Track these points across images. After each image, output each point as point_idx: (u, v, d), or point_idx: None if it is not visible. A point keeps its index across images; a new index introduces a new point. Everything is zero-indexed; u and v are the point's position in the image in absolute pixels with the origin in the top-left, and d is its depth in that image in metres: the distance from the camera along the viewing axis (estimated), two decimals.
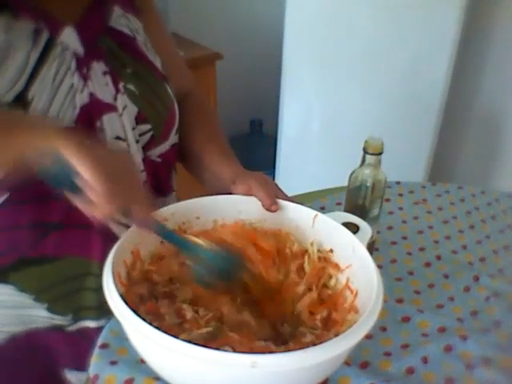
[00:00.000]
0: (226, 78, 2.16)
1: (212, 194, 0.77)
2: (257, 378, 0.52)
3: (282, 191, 0.78)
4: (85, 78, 0.71)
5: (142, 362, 0.65)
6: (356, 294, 0.66)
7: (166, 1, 1.93)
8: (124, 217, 0.59)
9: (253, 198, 0.75)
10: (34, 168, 0.55)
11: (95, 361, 0.68)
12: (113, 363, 0.67)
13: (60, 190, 0.56)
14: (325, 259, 0.73)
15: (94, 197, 0.55)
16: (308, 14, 1.84)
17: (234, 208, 0.75)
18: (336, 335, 0.55)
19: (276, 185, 0.78)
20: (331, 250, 0.73)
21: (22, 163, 0.56)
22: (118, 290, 0.57)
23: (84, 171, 0.53)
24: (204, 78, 1.96)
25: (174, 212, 0.72)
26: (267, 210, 0.73)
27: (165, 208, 0.71)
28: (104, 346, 0.70)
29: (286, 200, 0.75)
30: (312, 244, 0.73)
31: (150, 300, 0.64)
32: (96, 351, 0.69)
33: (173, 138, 0.83)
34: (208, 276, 0.64)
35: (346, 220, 0.75)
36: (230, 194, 0.76)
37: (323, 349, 0.52)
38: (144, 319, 0.53)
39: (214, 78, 2.00)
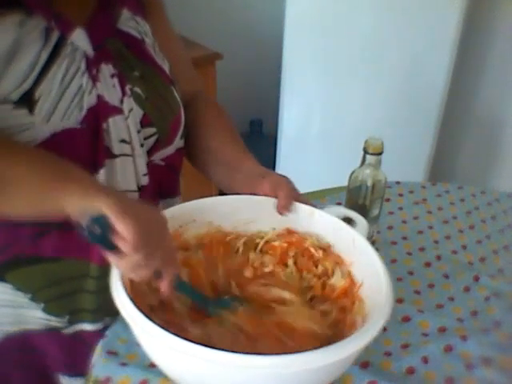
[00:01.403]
0: (226, 78, 2.16)
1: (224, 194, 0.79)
2: (270, 380, 0.53)
3: (303, 197, 0.78)
4: (94, 79, 0.70)
5: (153, 366, 0.65)
6: (360, 285, 0.67)
7: (166, 1, 1.92)
8: (154, 277, 0.61)
9: (247, 198, 0.75)
10: (72, 221, 0.57)
11: (104, 363, 0.67)
12: (123, 365, 0.67)
13: (94, 244, 0.56)
14: (325, 251, 0.74)
15: (130, 256, 0.56)
16: (308, 14, 1.84)
17: (230, 209, 0.76)
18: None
19: (299, 192, 0.78)
20: (330, 246, 0.73)
21: (58, 214, 0.58)
22: (126, 291, 0.57)
23: (124, 231, 0.54)
24: (204, 78, 1.96)
25: (172, 215, 0.71)
26: (278, 210, 0.74)
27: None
28: (111, 353, 0.69)
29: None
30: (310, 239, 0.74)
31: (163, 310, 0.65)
32: (102, 356, 0.68)
33: (178, 143, 0.82)
34: None
35: (343, 215, 0.75)
36: (251, 192, 0.77)
37: (332, 351, 0.52)
38: (157, 323, 0.53)
39: (214, 78, 2.00)
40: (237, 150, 0.84)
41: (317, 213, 0.74)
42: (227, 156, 0.84)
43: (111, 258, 0.57)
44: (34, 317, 0.77)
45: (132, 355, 0.67)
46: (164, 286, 0.62)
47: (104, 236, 0.55)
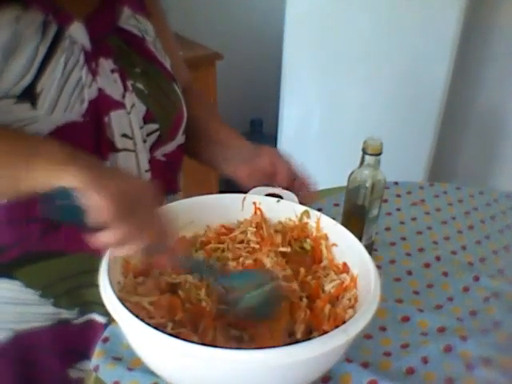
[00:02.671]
0: (226, 78, 2.16)
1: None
2: (261, 373, 0.53)
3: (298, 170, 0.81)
4: (93, 73, 0.71)
5: None
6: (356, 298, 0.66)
7: (166, 1, 1.93)
8: (147, 255, 0.57)
9: (238, 196, 0.76)
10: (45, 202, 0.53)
11: (111, 368, 0.67)
12: (130, 369, 0.67)
13: (67, 222, 0.53)
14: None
15: (112, 230, 0.52)
16: (308, 14, 1.84)
17: (220, 208, 0.76)
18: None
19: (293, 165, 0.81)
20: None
21: (31, 193, 0.55)
22: (114, 291, 0.57)
23: (98, 202, 0.51)
24: (204, 77, 1.96)
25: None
26: (286, 186, 0.77)
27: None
28: (117, 359, 0.69)
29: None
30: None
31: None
32: (108, 361, 0.68)
33: (180, 138, 0.83)
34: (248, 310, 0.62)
35: (268, 192, 0.78)
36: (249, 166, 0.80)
37: (319, 342, 0.52)
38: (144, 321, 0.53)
39: (214, 77, 2.00)
40: (231, 132, 0.88)
41: (248, 198, 0.76)
42: (216, 135, 0.87)
43: (93, 238, 0.53)
44: (45, 313, 0.77)
45: (137, 360, 0.66)
46: (162, 260, 0.58)
47: (76, 212, 0.50)
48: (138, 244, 0.55)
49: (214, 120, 0.92)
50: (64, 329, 0.79)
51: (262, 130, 2.55)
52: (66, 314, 0.78)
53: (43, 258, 0.74)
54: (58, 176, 0.52)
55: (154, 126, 0.77)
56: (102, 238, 0.53)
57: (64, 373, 0.83)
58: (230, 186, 0.83)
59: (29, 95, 0.65)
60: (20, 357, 0.80)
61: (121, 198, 0.52)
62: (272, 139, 2.21)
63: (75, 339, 0.81)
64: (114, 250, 0.56)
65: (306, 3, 1.83)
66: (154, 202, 0.58)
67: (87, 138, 0.70)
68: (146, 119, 0.76)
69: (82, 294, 0.78)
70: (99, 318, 0.80)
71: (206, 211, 0.75)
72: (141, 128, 0.75)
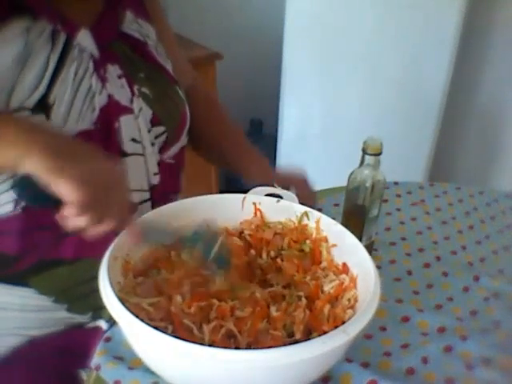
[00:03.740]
0: (226, 77, 2.16)
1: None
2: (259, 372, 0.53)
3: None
4: (102, 79, 0.71)
5: None
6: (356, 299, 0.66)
7: (166, 1, 1.93)
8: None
9: (238, 197, 0.76)
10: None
11: (112, 367, 0.67)
12: (131, 369, 0.67)
13: (34, 205, 0.55)
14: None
15: (83, 221, 0.54)
16: (308, 14, 1.85)
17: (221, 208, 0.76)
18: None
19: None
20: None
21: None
22: (114, 291, 0.57)
23: (65, 194, 0.51)
24: (204, 78, 1.96)
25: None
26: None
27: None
28: (118, 358, 0.69)
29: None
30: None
31: None
32: (109, 360, 0.68)
33: (184, 140, 0.84)
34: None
35: (268, 192, 0.78)
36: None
37: (317, 343, 0.52)
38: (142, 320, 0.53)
39: (213, 77, 2.00)
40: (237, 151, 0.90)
41: (248, 198, 0.76)
42: (235, 160, 0.90)
43: (63, 220, 0.54)
44: (58, 318, 0.78)
45: (138, 359, 0.66)
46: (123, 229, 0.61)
47: (44, 197, 0.51)
48: (108, 226, 0.56)
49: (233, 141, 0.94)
50: (77, 333, 0.80)
51: (261, 130, 2.55)
52: (79, 318, 0.79)
53: (56, 266, 0.74)
54: (18, 163, 0.52)
55: (161, 129, 0.78)
56: (73, 222, 0.55)
57: (76, 374, 0.83)
58: (230, 186, 0.83)
59: (42, 107, 0.65)
60: (33, 361, 0.80)
61: (87, 186, 0.52)
62: (272, 139, 2.21)
63: (88, 342, 0.81)
64: (83, 231, 0.57)
65: (306, 3, 1.83)
66: (121, 184, 0.59)
67: (98, 144, 0.70)
68: (153, 122, 0.77)
69: (95, 299, 0.77)
70: (104, 325, 0.79)
71: (206, 211, 0.75)
72: (149, 131, 0.76)
